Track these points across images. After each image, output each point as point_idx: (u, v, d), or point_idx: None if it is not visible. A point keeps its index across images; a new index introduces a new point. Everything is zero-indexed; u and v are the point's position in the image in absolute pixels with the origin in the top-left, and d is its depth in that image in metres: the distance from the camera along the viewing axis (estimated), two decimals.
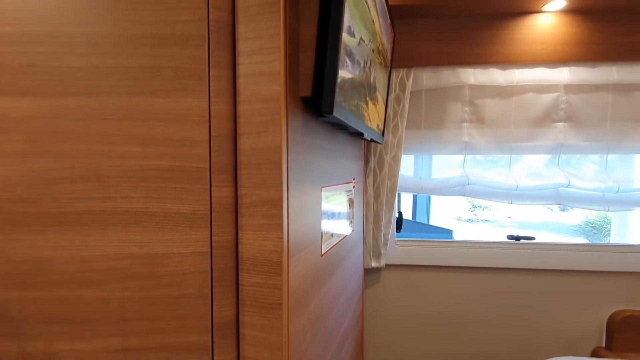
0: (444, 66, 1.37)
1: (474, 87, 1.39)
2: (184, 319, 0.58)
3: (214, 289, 0.58)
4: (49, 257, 0.56)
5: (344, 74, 0.63)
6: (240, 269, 0.59)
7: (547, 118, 1.38)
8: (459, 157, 1.43)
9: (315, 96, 0.62)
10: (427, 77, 1.38)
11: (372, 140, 1.18)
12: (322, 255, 0.79)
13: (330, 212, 0.84)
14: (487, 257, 1.45)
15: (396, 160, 1.37)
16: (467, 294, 1.48)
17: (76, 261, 0.56)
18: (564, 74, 1.35)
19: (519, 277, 1.47)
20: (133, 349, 0.57)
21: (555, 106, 1.37)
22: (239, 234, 0.59)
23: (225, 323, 0.58)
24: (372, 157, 1.39)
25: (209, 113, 0.57)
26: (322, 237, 0.79)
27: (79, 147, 0.56)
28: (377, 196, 1.40)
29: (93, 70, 0.56)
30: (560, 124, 1.37)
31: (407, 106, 1.36)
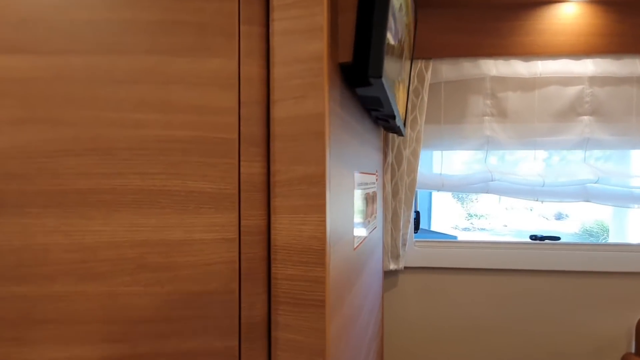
0: (464, 57, 1.31)
1: (496, 79, 1.33)
2: (206, 320, 0.49)
3: (242, 283, 0.49)
4: (44, 245, 0.47)
5: (389, 37, 0.56)
6: (273, 259, 0.50)
7: (571, 111, 1.32)
8: (463, 153, 1.36)
9: (357, 62, 0.54)
10: (447, 69, 1.32)
11: (392, 131, 1.11)
12: (354, 249, 0.71)
13: (361, 201, 0.76)
14: (510, 259, 1.37)
15: (415, 156, 1.30)
16: (489, 298, 1.40)
17: (77, 249, 0.47)
18: (588, 66, 1.30)
19: (544, 279, 1.39)
20: (144, 355, 0.48)
21: (580, 99, 1.31)
22: (272, 218, 0.50)
23: (255, 324, 0.49)
24: (390, 151, 1.32)
25: (238, 76, 0.49)
26: (354, 229, 0.70)
27: (84, 114, 0.47)
28: (395, 193, 1.32)
29: (103, 24, 0.48)
30: (585, 117, 1.32)
31: (426, 99, 1.30)
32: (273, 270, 0.50)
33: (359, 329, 0.78)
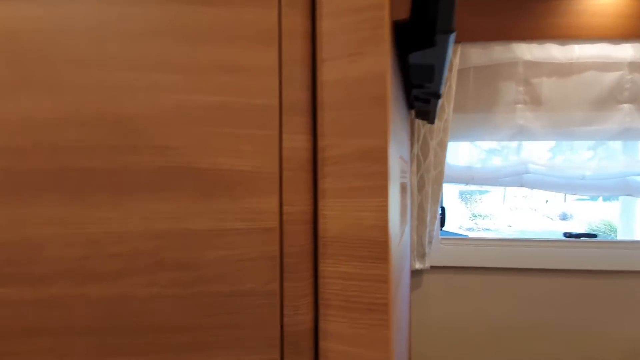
0: (496, 41, 1.23)
1: (529, 64, 1.24)
2: (239, 329, 0.40)
3: (284, 283, 0.40)
4: (39, 238, 0.38)
5: None
6: (321, 254, 0.41)
7: (611, 99, 1.23)
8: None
9: (418, 16, 0.45)
10: (477, 54, 1.23)
11: (423, 117, 1.02)
12: (398, 243, 0.62)
13: (403, 189, 0.67)
14: (543, 257, 1.28)
15: (442, 147, 1.21)
16: (520, 300, 1.30)
17: (79, 243, 0.38)
18: (627, 51, 1.21)
19: (578, 279, 1.30)
20: None
21: (620, 85, 1.22)
22: (320, 203, 0.41)
23: (300, 333, 0.40)
24: (416, 142, 1.23)
25: (279, 29, 0.40)
26: (397, 221, 0.61)
27: (90, 75, 0.38)
28: (421, 187, 1.23)
29: None
30: (625, 105, 1.23)
31: (454, 86, 1.21)
32: (321, 267, 0.41)
33: (401, 336, 0.69)
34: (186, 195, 0.39)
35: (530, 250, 1.32)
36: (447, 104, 1.28)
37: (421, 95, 0.74)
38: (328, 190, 0.40)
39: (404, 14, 0.47)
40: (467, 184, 1.30)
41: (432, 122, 1.07)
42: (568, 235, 1.36)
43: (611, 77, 1.29)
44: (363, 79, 0.39)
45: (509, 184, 1.29)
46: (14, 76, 0.38)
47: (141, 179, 0.38)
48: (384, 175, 0.39)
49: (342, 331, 0.40)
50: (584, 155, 1.25)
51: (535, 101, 1.30)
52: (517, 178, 1.29)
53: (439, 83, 0.61)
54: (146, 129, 0.39)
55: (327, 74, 0.40)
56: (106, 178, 0.38)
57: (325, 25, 0.41)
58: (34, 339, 0.38)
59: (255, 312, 0.39)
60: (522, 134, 1.29)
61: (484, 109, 1.30)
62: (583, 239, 1.33)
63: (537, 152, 1.29)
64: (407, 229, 1.14)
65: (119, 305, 0.38)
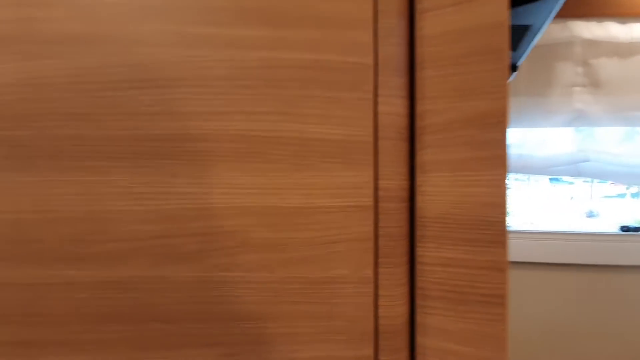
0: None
1: (588, 43, 1.15)
2: (329, 319, 0.35)
3: (380, 269, 0.35)
4: (111, 213, 0.34)
5: None
6: (420, 236, 0.36)
7: None
8: None
9: None
10: None
11: None
12: None
13: None
14: (602, 252, 1.20)
15: None
16: (574, 297, 1.22)
17: (155, 219, 0.34)
18: None
19: (637, 276, 1.21)
20: None
21: None
22: (418, 178, 0.36)
23: (397, 327, 0.35)
24: None
25: None
26: None
27: (163, 29, 0.34)
28: None
29: None
30: None
31: None
32: (419, 251, 0.36)
33: None
34: (270, 168, 0.34)
35: (588, 245, 1.24)
36: None
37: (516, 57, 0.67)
38: (429, 163, 0.35)
39: None
40: (516, 172, 1.22)
41: None
42: (625, 228, 1.27)
43: None
44: (475, 30, 0.34)
45: (564, 173, 1.20)
46: (80, 29, 0.34)
47: (223, 148, 0.34)
48: (501, 144, 0.33)
49: (446, 326, 0.35)
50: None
51: (594, 83, 1.20)
52: (573, 167, 1.21)
53: (523, 52, 0.55)
54: (228, 92, 0.34)
55: (429, 26, 0.35)
56: (185, 146, 0.34)
57: None
58: (106, 325, 0.34)
59: (346, 301, 0.35)
60: (581, 119, 1.20)
61: (538, 92, 1.22)
62: None
63: (598, 139, 1.20)
64: None
65: (198, 289, 0.34)
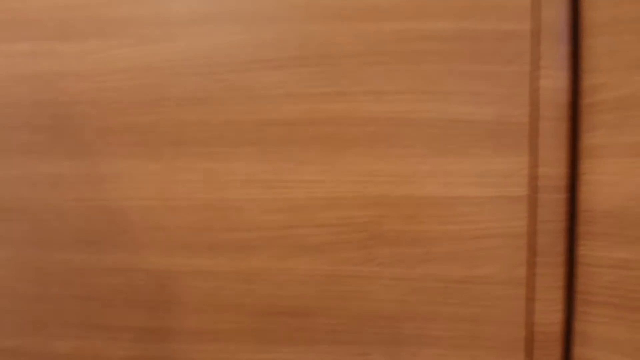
0: None
1: None
2: (474, 323, 0.32)
3: (535, 269, 0.31)
4: (237, 201, 0.33)
5: None
6: (583, 233, 0.31)
7: None
8: None
9: None
10: None
11: None
12: None
13: None
14: None
15: None
16: None
17: (283, 208, 0.32)
18: None
19: None
20: None
21: None
22: (582, 165, 0.31)
23: (552, 335, 0.31)
24: None
25: None
26: None
27: (285, 5, 0.32)
28: None
29: None
30: None
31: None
32: (582, 250, 0.31)
33: None
34: (410, 153, 0.31)
35: None
36: None
37: None
38: (598, 147, 0.30)
39: None
40: None
41: None
42: None
43: None
44: None
45: None
46: (203, 9, 0.33)
47: (353, 132, 0.31)
48: None
49: (616, 336, 0.30)
50: None
51: None
52: None
53: None
54: (358, 70, 0.31)
55: None
56: (312, 131, 0.32)
57: None
58: (231, 316, 0.34)
59: (494, 304, 0.31)
60: None
61: None
62: None
63: None
64: None
65: (328, 283, 0.32)
